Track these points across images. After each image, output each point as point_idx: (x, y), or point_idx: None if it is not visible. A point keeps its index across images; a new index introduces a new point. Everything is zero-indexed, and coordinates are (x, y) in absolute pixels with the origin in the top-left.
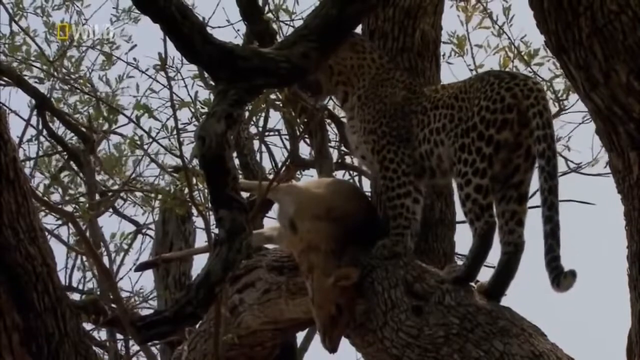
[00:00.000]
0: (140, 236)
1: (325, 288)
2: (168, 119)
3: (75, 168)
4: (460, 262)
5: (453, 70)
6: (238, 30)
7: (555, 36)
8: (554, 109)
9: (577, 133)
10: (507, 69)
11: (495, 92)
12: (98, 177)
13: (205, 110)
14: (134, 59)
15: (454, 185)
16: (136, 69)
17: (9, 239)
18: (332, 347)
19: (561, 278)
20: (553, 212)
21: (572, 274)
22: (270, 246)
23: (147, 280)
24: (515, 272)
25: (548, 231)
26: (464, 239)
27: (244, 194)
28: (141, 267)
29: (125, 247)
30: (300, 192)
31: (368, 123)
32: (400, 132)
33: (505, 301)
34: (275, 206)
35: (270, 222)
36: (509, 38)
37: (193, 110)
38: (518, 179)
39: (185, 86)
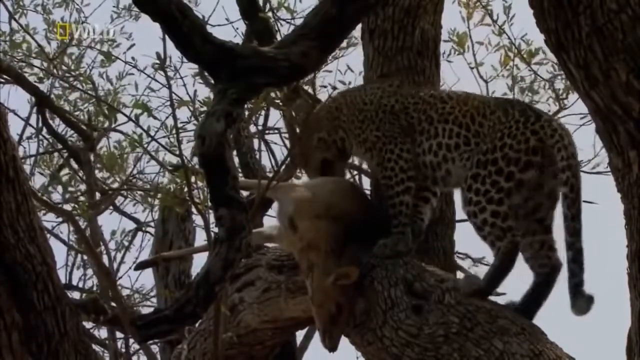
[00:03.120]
0: (140, 234)
1: (324, 287)
2: (167, 118)
3: (75, 166)
4: (460, 262)
5: (453, 68)
6: (237, 29)
7: (555, 35)
8: (554, 107)
9: (577, 133)
10: (507, 67)
11: (520, 132)
12: (99, 175)
13: (205, 109)
14: (132, 58)
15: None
16: (135, 68)
17: (9, 238)
18: (331, 346)
19: (580, 303)
20: (575, 238)
21: (590, 300)
22: (270, 245)
23: (147, 278)
24: (549, 293)
25: (570, 257)
26: (463, 237)
27: (244, 193)
28: (141, 266)
29: (126, 244)
30: (300, 191)
31: (358, 136)
32: (394, 132)
33: (504, 300)
34: (275, 205)
35: (270, 221)
36: (509, 37)
37: (192, 109)
38: (541, 216)
39: (184, 85)
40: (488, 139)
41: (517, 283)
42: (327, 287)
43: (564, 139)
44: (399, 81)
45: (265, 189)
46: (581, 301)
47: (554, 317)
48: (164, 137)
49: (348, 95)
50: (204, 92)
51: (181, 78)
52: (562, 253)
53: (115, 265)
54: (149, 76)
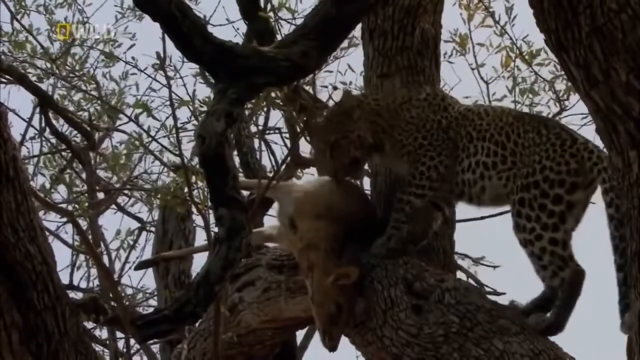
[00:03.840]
0: (144, 233)
1: (325, 286)
2: (167, 118)
3: (78, 166)
4: (463, 263)
5: (455, 69)
6: (238, 29)
7: (555, 35)
8: (555, 109)
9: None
10: (508, 68)
11: (559, 154)
12: (102, 174)
13: (204, 109)
14: (133, 57)
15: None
16: (135, 68)
17: (9, 237)
18: (331, 346)
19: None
20: (624, 260)
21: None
22: (270, 245)
23: (149, 278)
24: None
25: (621, 279)
26: (463, 237)
27: (244, 193)
28: (141, 266)
29: (130, 243)
30: (300, 191)
31: (400, 142)
32: (442, 146)
33: (505, 299)
34: (275, 205)
35: (271, 221)
36: (510, 38)
37: (192, 108)
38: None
39: (184, 85)
40: (526, 160)
41: (516, 283)
42: (327, 287)
43: (602, 161)
44: (439, 92)
45: (265, 189)
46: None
47: None
48: (164, 136)
49: (388, 102)
50: (204, 92)
51: (181, 78)
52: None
53: (118, 265)
54: (149, 76)
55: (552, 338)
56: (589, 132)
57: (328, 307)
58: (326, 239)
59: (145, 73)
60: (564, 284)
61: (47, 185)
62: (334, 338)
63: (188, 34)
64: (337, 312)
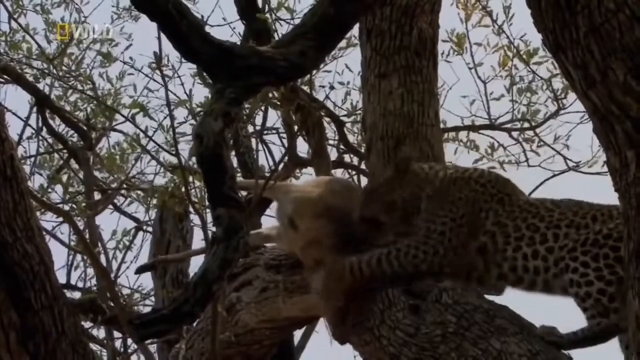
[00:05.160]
0: (141, 233)
1: (334, 279)
2: (165, 118)
3: (75, 166)
4: None
5: (453, 69)
6: (234, 28)
7: (552, 35)
8: (553, 107)
9: (575, 131)
10: (505, 68)
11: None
12: (99, 175)
13: (201, 109)
14: (130, 57)
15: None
16: (132, 67)
17: (6, 237)
18: (341, 339)
19: None
20: None
21: None
22: (267, 245)
23: (147, 278)
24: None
25: None
26: None
27: (242, 193)
28: (140, 270)
29: (127, 243)
30: (298, 191)
31: (434, 223)
32: (464, 224)
33: (503, 300)
34: (274, 205)
35: (269, 221)
36: (508, 37)
37: (189, 107)
38: None
39: (182, 84)
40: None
41: None
42: (336, 280)
43: None
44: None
45: (262, 188)
46: None
47: (552, 316)
48: (163, 141)
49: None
50: (202, 92)
51: (179, 77)
52: None
53: (115, 265)
54: (147, 76)
55: None
56: (586, 131)
57: (337, 301)
58: (328, 236)
59: (142, 72)
60: (597, 326)
61: (45, 184)
62: (344, 331)
63: (186, 33)
64: (346, 306)
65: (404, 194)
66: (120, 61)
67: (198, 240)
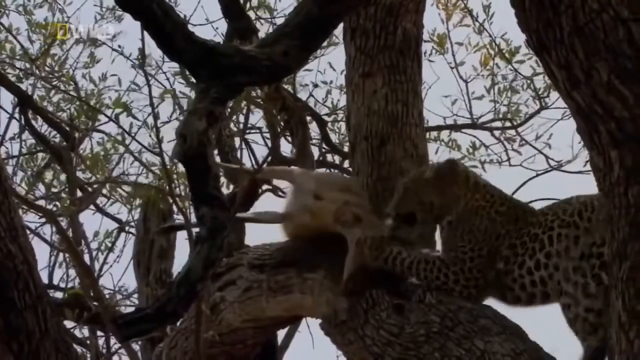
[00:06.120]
0: (123, 234)
1: (370, 248)
2: (148, 116)
3: (58, 166)
4: None
5: (434, 68)
6: (217, 28)
7: (536, 34)
8: (535, 106)
9: (556, 130)
10: (487, 67)
11: None
12: (81, 175)
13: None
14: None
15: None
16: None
17: None
18: (350, 291)
19: None
20: None
21: None
22: (251, 244)
23: (129, 278)
24: None
25: None
26: None
27: (230, 186)
28: (165, 230)
29: (108, 245)
30: (318, 174)
31: (453, 250)
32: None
33: (488, 300)
34: (269, 202)
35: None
36: (489, 36)
37: (173, 100)
38: None
39: (168, 79)
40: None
41: None
42: (371, 250)
43: None
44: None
45: (250, 181)
46: None
47: (536, 316)
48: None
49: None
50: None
51: (164, 73)
52: None
53: (97, 266)
54: (133, 67)
55: (533, 337)
56: (569, 129)
57: (367, 257)
58: (361, 203)
59: (131, 60)
60: (588, 349)
61: (26, 185)
62: (357, 285)
63: (170, 33)
64: (371, 268)
65: (443, 200)
66: (111, 48)
67: (182, 240)
